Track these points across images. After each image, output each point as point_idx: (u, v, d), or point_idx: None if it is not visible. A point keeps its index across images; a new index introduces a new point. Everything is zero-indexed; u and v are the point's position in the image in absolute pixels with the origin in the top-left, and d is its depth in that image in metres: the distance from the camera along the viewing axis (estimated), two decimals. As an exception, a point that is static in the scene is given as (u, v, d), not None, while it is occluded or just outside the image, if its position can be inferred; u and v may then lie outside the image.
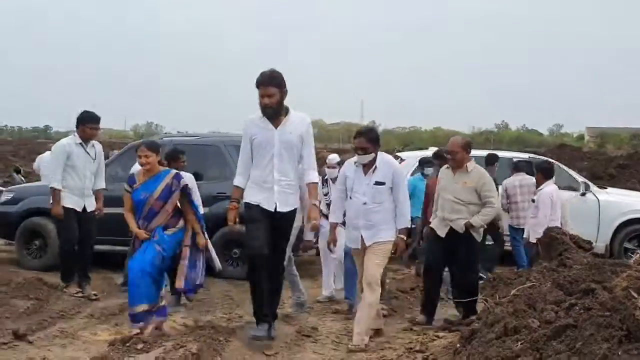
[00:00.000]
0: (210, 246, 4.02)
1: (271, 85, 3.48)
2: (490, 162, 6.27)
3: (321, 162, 5.05)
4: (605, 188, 7.69)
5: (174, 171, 3.95)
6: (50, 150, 9.90)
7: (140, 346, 2.98)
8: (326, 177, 5.07)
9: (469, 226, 4.04)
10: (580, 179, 7.39)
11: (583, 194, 6.94)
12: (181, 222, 3.83)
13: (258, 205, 3.55)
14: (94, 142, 4.98)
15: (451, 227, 4.09)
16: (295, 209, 3.67)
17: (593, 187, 7.15)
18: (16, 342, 3.36)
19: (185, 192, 3.84)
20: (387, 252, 3.71)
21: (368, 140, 3.73)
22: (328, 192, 4.93)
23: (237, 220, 3.62)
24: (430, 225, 4.33)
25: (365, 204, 3.66)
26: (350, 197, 3.77)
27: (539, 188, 5.40)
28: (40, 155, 9.74)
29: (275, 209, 3.54)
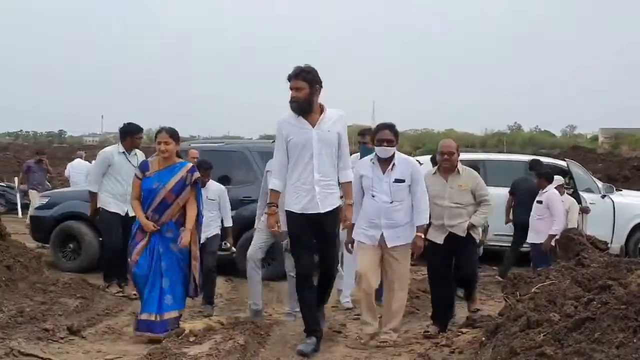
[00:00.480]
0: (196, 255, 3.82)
1: (300, 79, 3.38)
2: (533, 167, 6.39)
3: None
4: (620, 190, 7.84)
5: (189, 164, 3.83)
6: (78, 157, 10.42)
7: (192, 339, 3.26)
8: None
9: (470, 227, 3.98)
10: (599, 182, 7.57)
11: (603, 197, 7.11)
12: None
13: (302, 214, 3.45)
14: (136, 150, 5.28)
15: (449, 232, 3.98)
16: (337, 208, 3.53)
17: (612, 190, 7.31)
18: (71, 337, 3.65)
19: (196, 186, 3.72)
20: (409, 252, 3.80)
21: (393, 134, 3.75)
22: None
23: (279, 224, 3.53)
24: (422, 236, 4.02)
25: (390, 202, 3.67)
26: (373, 196, 3.71)
27: (544, 191, 5.54)
28: (71, 163, 10.25)
29: (319, 211, 3.43)
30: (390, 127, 3.79)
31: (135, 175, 3.78)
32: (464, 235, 3.98)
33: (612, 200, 7.05)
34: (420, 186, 3.78)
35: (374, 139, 3.89)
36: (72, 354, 3.33)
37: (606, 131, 52.85)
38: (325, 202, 3.44)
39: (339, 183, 3.64)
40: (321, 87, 3.49)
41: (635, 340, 2.11)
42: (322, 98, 3.60)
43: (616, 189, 7.63)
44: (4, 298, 3.99)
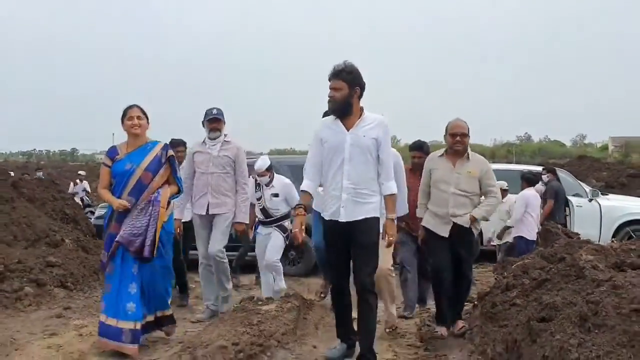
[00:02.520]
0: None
1: (339, 79, 3.15)
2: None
3: None
4: (607, 194, 8.80)
5: (162, 142, 3.57)
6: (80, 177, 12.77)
7: (260, 303, 4.20)
8: (258, 181, 4.90)
9: (472, 220, 3.73)
10: (586, 187, 8.54)
11: (590, 200, 8.08)
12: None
13: (331, 221, 3.21)
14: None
15: (453, 224, 3.70)
16: (371, 218, 3.17)
17: (598, 194, 8.28)
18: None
19: (172, 163, 3.49)
20: None
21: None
22: (261, 197, 4.83)
23: (304, 228, 3.21)
24: (424, 225, 3.86)
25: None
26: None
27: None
28: (75, 181, 12.90)
29: (345, 220, 3.14)
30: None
31: (103, 163, 3.47)
32: (467, 227, 3.73)
33: (599, 203, 8.00)
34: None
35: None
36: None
37: (616, 140, 53.17)
38: (353, 211, 3.13)
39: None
40: (363, 89, 3.22)
41: (571, 286, 3.14)
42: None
43: (602, 193, 8.59)
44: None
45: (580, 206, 7.89)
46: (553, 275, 3.53)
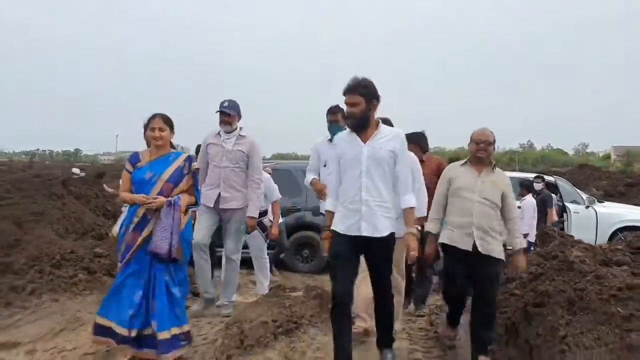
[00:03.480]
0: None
1: (356, 93, 3.13)
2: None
3: None
4: (602, 202, 9.31)
5: (186, 154, 3.51)
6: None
7: (288, 290, 4.73)
8: None
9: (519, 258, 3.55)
10: (584, 195, 9.06)
11: (587, 207, 8.60)
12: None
13: (344, 235, 3.12)
14: None
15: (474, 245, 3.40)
16: (391, 234, 3.14)
17: (594, 202, 8.80)
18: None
19: (194, 175, 3.43)
20: None
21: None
22: None
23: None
24: (441, 241, 3.57)
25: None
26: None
27: (523, 198, 7.10)
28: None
29: (365, 234, 3.08)
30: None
31: (125, 169, 3.38)
32: (495, 258, 3.43)
33: (595, 210, 8.52)
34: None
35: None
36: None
37: (618, 149, 53.56)
38: (374, 225, 3.08)
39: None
40: (379, 101, 3.21)
41: (561, 278, 3.68)
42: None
43: (598, 201, 9.10)
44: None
45: (578, 212, 8.41)
46: (547, 270, 4.07)
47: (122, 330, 3.11)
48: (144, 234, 3.22)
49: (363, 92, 3.15)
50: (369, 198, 3.11)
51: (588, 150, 62.63)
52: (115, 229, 4.94)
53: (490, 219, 3.45)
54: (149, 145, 3.58)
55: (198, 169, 3.52)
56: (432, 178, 4.27)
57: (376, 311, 3.30)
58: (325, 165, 4.29)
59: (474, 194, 3.47)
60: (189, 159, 3.42)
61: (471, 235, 3.41)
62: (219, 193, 4.39)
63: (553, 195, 8.21)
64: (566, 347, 3.05)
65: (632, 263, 4.05)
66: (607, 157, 53.88)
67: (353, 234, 3.10)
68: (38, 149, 74.01)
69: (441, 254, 3.70)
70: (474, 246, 3.38)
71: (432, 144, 5.18)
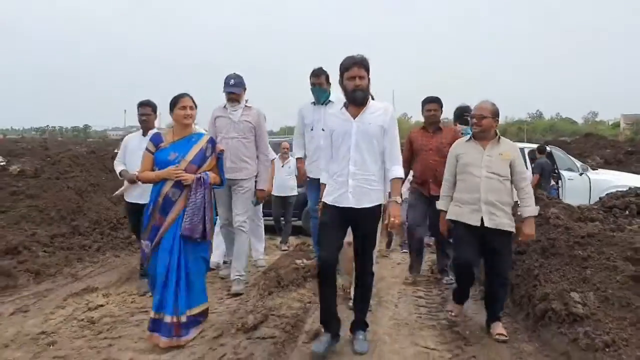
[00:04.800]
0: None
1: (362, 67, 3.16)
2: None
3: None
4: (596, 169, 9.98)
5: (208, 135, 3.54)
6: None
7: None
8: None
9: (527, 229, 3.49)
10: (578, 163, 9.73)
11: (581, 174, 9.29)
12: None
13: (334, 206, 3.20)
14: None
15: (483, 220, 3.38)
16: (378, 206, 3.22)
17: (588, 169, 9.48)
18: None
19: (219, 156, 3.46)
20: None
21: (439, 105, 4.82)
22: None
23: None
24: (449, 217, 3.59)
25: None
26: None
27: None
28: None
29: (351, 206, 3.15)
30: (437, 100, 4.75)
31: (147, 149, 3.36)
32: (505, 230, 3.42)
33: (589, 177, 9.21)
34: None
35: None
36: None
37: (628, 117, 53.23)
38: (360, 197, 3.17)
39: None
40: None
41: (539, 230, 4.46)
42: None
43: (592, 168, 9.76)
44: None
45: (572, 179, 9.10)
46: (530, 225, 4.84)
47: (152, 314, 3.21)
48: (171, 216, 3.23)
49: (367, 66, 3.20)
50: (357, 171, 3.18)
51: (597, 119, 62.23)
52: (116, 193, 5.20)
53: (500, 193, 3.42)
54: (142, 126, 4.28)
55: (223, 150, 3.57)
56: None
57: (355, 289, 3.39)
58: (312, 130, 4.55)
59: (481, 169, 3.46)
60: (212, 141, 3.44)
61: (479, 210, 3.40)
62: (227, 165, 4.34)
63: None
64: (537, 282, 3.85)
65: (602, 219, 4.83)
66: (617, 125, 53.61)
67: (341, 205, 3.18)
68: (48, 126, 74.74)
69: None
70: (482, 221, 3.39)
71: (441, 115, 5.13)
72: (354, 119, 3.21)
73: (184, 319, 3.23)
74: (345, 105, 3.28)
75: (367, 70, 3.19)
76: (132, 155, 4.42)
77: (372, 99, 3.38)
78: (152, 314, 3.23)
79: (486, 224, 3.39)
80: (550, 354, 3.24)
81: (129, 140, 4.60)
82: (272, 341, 3.26)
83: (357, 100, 3.19)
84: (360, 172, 3.18)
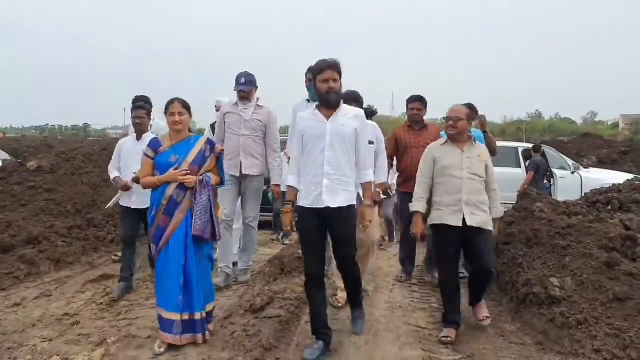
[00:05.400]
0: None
1: (335, 70, 3.21)
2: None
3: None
4: (588, 168, 10.32)
5: (205, 137, 3.56)
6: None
7: None
8: None
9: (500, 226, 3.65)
10: (570, 162, 10.07)
11: (573, 173, 9.63)
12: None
13: (310, 210, 3.20)
14: None
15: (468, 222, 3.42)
16: (352, 206, 3.25)
17: (580, 168, 9.82)
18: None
19: (219, 156, 3.48)
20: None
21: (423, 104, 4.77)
22: None
23: (293, 224, 3.26)
24: (430, 222, 3.60)
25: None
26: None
27: None
28: None
29: (326, 205, 3.16)
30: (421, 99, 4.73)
31: (145, 154, 3.39)
32: (484, 228, 3.48)
33: (580, 175, 9.55)
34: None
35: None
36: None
37: (627, 118, 53.43)
38: (335, 197, 3.19)
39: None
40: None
41: (525, 223, 4.80)
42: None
43: (584, 167, 10.09)
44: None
45: (564, 177, 9.44)
46: (517, 219, 5.19)
47: (170, 315, 3.20)
48: (177, 217, 3.25)
49: (339, 70, 3.24)
50: (331, 171, 3.20)
51: (597, 120, 62.54)
52: (110, 204, 5.24)
53: (480, 193, 3.51)
54: (136, 129, 4.25)
55: (222, 150, 3.58)
56: None
57: (343, 279, 3.50)
58: None
59: (462, 171, 3.50)
60: (210, 142, 3.47)
61: (461, 211, 3.44)
62: (241, 160, 4.48)
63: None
64: (521, 269, 4.19)
65: (585, 213, 5.17)
66: (616, 126, 53.84)
67: (316, 207, 3.19)
68: (47, 124, 74.81)
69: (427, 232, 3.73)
70: (464, 221, 3.43)
71: (433, 114, 5.72)
72: (328, 120, 3.25)
73: (204, 314, 3.31)
74: (318, 108, 3.31)
75: (340, 73, 3.24)
76: (126, 160, 4.44)
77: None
78: (172, 315, 3.20)
79: (469, 223, 3.43)
80: (530, 332, 3.58)
81: (123, 144, 4.57)
82: (278, 320, 3.60)
83: (330, 102, 3.23)
84: (334, 171, 3.21)
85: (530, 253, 4.35)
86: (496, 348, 3.39)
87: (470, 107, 4.98)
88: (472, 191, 3.47)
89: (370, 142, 3.73)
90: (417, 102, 4.94)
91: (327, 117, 3.25)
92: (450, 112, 3.64)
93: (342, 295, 3.96)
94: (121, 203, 4.56)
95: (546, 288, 3.74)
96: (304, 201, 3.25)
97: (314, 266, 3.22)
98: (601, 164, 14.40)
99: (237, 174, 4.51)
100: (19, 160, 7.26)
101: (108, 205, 5.20)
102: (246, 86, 4.51)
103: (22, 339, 3.55)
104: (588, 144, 21.95)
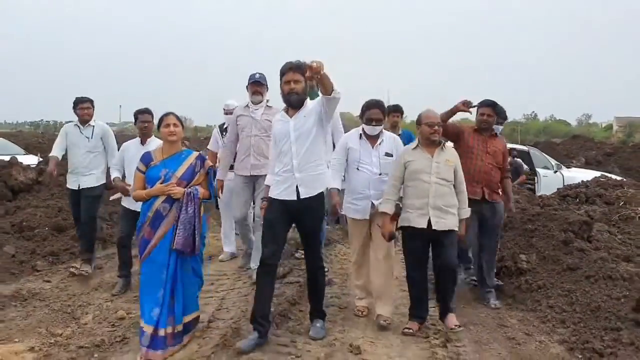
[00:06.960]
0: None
1: (298, 72, 3.32)
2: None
3: None
4: (570, 167, 11.16)
5: (196, 152, 3.63)
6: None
7: None
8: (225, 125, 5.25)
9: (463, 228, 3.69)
10: (553, 162, 10.90)
11: (555, 172, 10.46)
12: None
13: (278, 201, 3.38)
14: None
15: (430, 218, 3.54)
16: (320, 194, 3.41)
17: (562, 167, 10.66)
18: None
19: (209, 172, 3.53)
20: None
21: (382, 112, 3.94)
22: None
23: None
24: (402, 224, 3.69)
25: (380, 174, 3.80)
26: (357, 168, 3.85)
27: None
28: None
29: (298, 196, 3.34)
30: (381, 105, 3.97)
31: (137, 168, 3.49)
32: (451, 229, 3.59)
33: (562, 174, 10.39)
34: None
35: (363, 115, 3.92)
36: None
37: (621, 120, 53.84)
38: (309, 185, 3.37)
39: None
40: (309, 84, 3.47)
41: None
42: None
43: (567, 167, 10.91)
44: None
45: (547, 176, 10.25)
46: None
47: (148, 329, 3.20)
48: (162, 230, 3.31)
49: (302, 71, 3.28)
50: (300, 162, 3.36)
51: (591, 121, 63.01)
52: (113, 197, 5.26)
53: (447, 197, 3.61)
54: (141, 132, 4.42)
55: (212, 165, 3.68)
56: None
57: (308, 283, 3.58)
58: None
59: (430, 175, 3.61)
60: (201, 157, 3.54)
61: (427, 214, 3.56)
62: (250, 162, 4.60)
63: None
64: (498, 249, 5.05)
65: (557, 205, 6.04)
66: (609, 127, 54.16)
67: (284, 198, 3.35)
68: (42, 120, 74.48)
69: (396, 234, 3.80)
70: (429, 224, 3.55)
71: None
72: (291, 118, 3.41)
73: (180, 327, 3.33)
74: (285, 109, 3.49)
75: (303, 75, 3.25)
76: (130, 164, 4.49)
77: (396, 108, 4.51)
78: (145, 327, 3.24)
79: (434, 227, 3.54)
80: (501, 296, 4.44)
81: (127, 147, 4.67)
82: (298, 284, 4.47)
83: (292, 102, 3.40)
84: (303, 162, 3.36)
85: (505, 236, 5.22)
86: (473, 307, 4.25)
87: (398, 108, 5.52)
88: (439, 195, 3.59)
89: (389, 155, 3.87)
90: (488, 108, 4.41)
91: (291, 116, 3.43)
92: (430, 117, 3.73)
93: (362, 304, 4.06)
94: (122, 202, 4.77)
95: (516, 262, 4.61)
96: (274, 192, 3.44)
97: (269, 254, 3.32)
98: (587, 164, 15.21)
99: (248, 174, 4.66)
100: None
101: (112, 197, 5.37)
102: (261, 79, 4.71)
103: (89, 299, 4.39)
104: (578, 145, 22.67)
